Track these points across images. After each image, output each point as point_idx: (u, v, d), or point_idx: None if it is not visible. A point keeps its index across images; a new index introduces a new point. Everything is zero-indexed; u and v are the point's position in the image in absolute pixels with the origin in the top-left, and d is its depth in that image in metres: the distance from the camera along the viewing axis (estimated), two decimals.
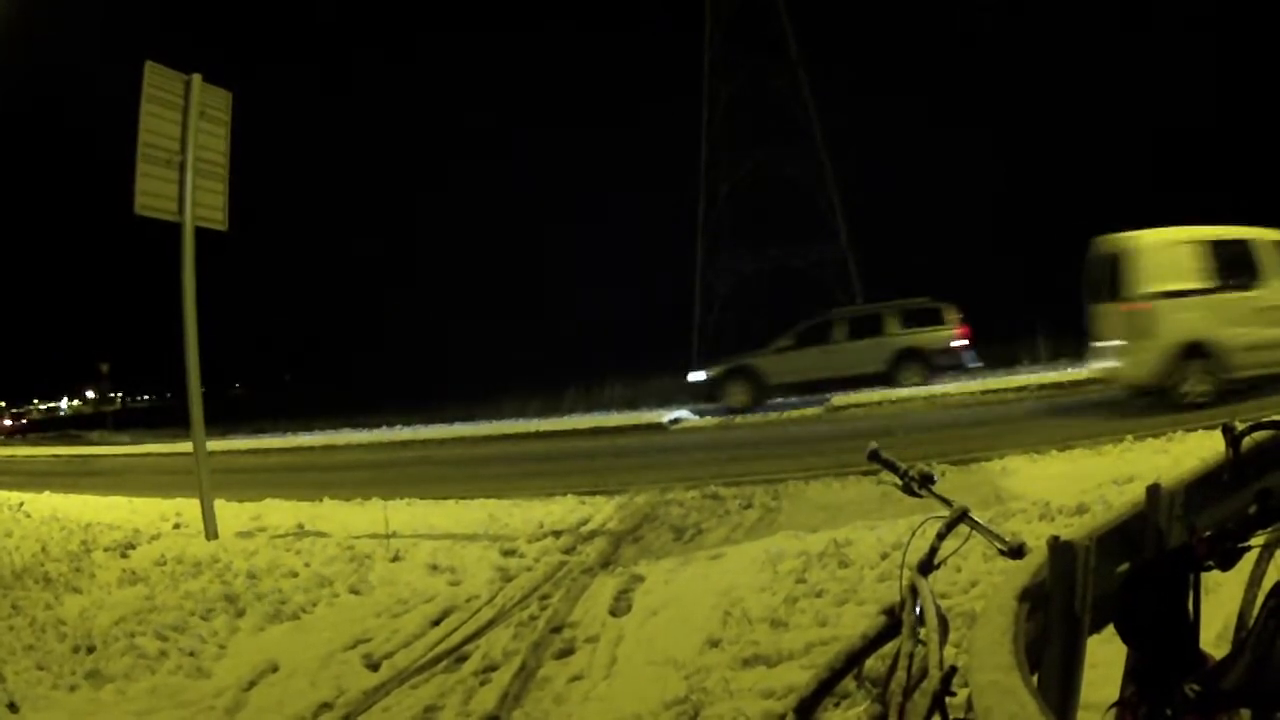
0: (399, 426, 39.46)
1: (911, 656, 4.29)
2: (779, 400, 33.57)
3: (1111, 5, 51.61)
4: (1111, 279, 21.50)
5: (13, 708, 8.11)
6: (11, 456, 42.66)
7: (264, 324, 72.84)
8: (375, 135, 74.37)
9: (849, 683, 5.45)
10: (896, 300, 35.05)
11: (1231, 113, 47.85)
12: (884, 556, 10.12)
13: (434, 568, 12.36)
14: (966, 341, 33.53)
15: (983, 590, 8.31)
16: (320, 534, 14.69)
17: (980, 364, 34.47)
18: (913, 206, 51.42)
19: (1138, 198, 46.17)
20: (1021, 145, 49.80)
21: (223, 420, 43.35)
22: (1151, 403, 20.23)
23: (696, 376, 35.77)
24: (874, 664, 5.07)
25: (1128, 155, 48.67)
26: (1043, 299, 37.68)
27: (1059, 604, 3.31)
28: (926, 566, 4.59)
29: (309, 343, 71.94)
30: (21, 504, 19.42)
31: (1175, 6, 49.35)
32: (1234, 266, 20.54)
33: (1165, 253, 20.57)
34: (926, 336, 33.53)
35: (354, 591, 11.44)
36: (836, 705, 6.22)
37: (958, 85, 52.56)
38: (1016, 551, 4.23)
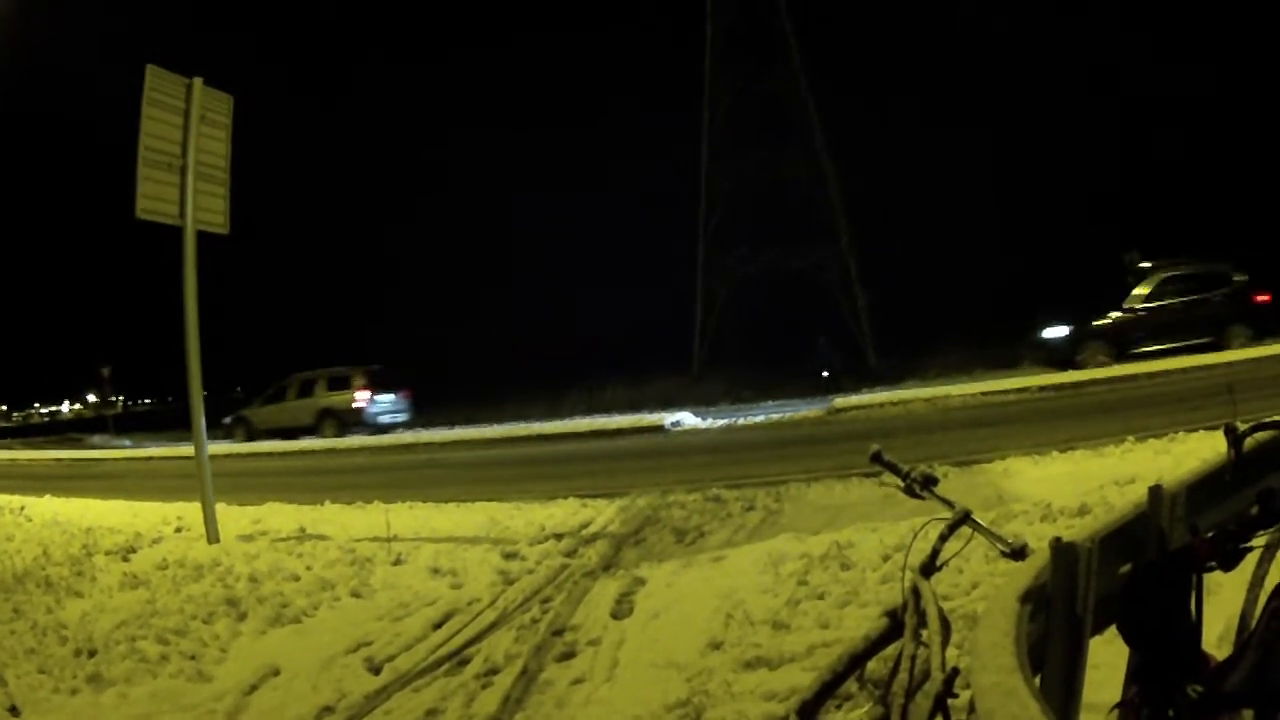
0: (400, 430, 39.64)
1: (914, 658, 4.29)
2: (780, 401, 33.94)
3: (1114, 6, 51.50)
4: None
5: (14, 711, 8.14)
6: (13, 460, 42.84)
7: (265, 326, 72.63)
8: (375, 137, 74.06)
9: (851, 685, 5.44)
10: (326, 368, 42.96)
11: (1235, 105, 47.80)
12: (886, 558, 10.13)
13: (435, 571, 12.37)
14: (365, 404, 41.40)
15: (985, 592, 8.32)
16: (322, 537, 14.72)
17: (407, 417, 43.25)
18: (915, 208, 51.33)
19: (1138, 199, 46.26)
20: (1024, 145, 49.76)
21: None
22: None
23: (226, 420, 44.68)
24: (876, 666, 5.06)
25: (1129, 157, 48.65)
26: (1045, 301, 37.69)
27: (1061, 605, 3.31)
28: (928, 568, 4.58)
29: (310, 345, 71.84)
30: (23, 507, 19.52)
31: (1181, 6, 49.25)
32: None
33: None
34: (338, 398, 41.67)
35: (355, 595, 11.46)
36: (839, 707, 6.22)
37: (960, 85, 52.45)
38: (1018, 553, 4.24)
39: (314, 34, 79.78)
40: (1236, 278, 32.74)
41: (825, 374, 41.36)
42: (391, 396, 42.51)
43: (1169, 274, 32.78)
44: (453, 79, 73.58)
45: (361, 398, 41.25)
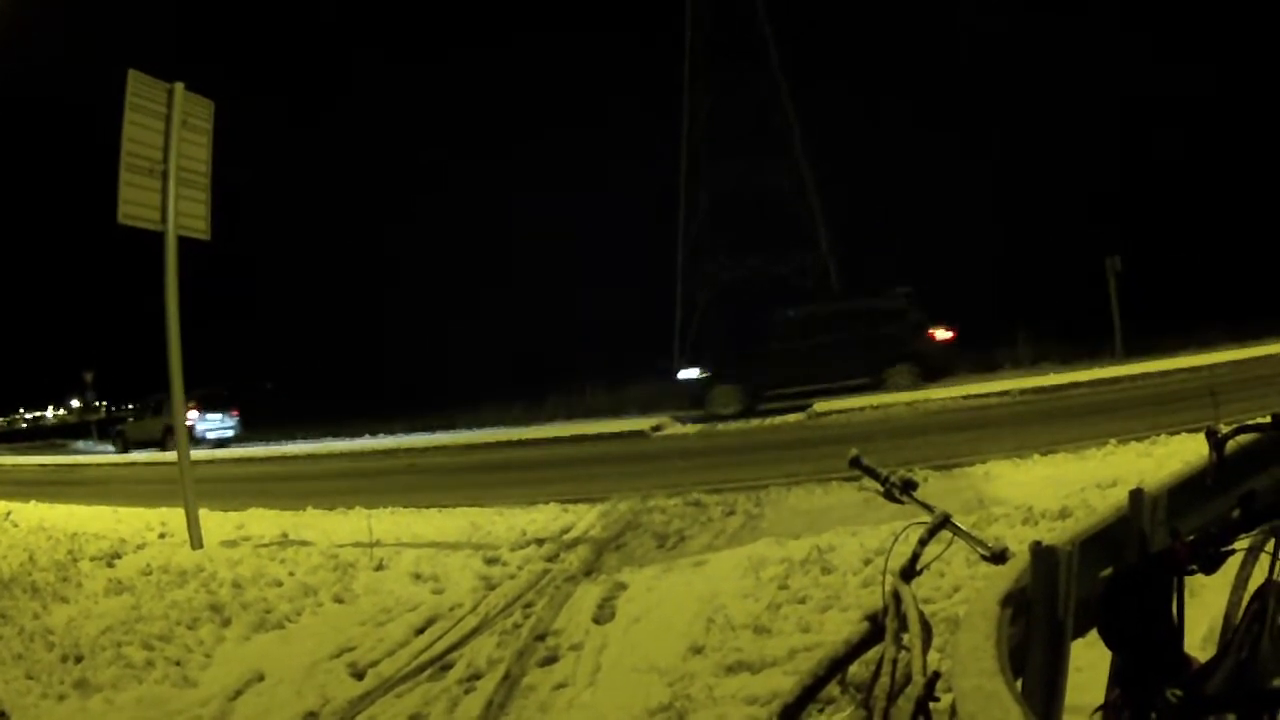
0: (381, 435, 39.76)
1: (895, 662, 4.28)
2: (762, 407, 33.88)
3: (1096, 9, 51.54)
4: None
5: (3, 716, 8.14)
6: None
7: (246, 332, 72.32)
8: (338, 149, 73.33)
9: (833, 689, 5.45)
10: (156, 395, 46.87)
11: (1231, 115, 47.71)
12: (867, 562, 10.12)
13: (417, 576, 12.36)
14: (194, 422, 45.89)
15: (966, 595, 8.32)
16: (304, 543, 14.69)
17: (234, 433, 49.36)
18: (894, 212, 51.32)
19: (1130, 201, 46.28)
20: (1003, 151, 49.73)
21: None
22: None
23: (113, 430, 54.46)
24: (858, 670, 5.05)
25: (1111, 163, 48.64)
26: (1024, 304, 37.67)
27: (1042, 609, 3.32)
28: (909, 572, 4.59)
29: (290, 351, 71.44)
30: (9, 513, 19.51)
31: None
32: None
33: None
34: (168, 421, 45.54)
35: (338, 600, 11.44)
36: (820, 711, 6.22)
37: (943, 88, 52.45)
38: (999, 556, 4.26)
39: (310, 34, 79.24)
40: (908, 314, 32.32)
41: None
42: (219, 416, 49.06)
43: (819, 311, 33.17)
44: (434, 83, 73.10)
45: (192, 417, 45.01)
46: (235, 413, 50.06)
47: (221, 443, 46.82)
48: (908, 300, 32.67)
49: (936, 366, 32.00)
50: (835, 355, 31.80)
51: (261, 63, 73.32)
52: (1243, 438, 4.12)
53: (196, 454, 38.19)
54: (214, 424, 48.16)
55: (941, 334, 32.11)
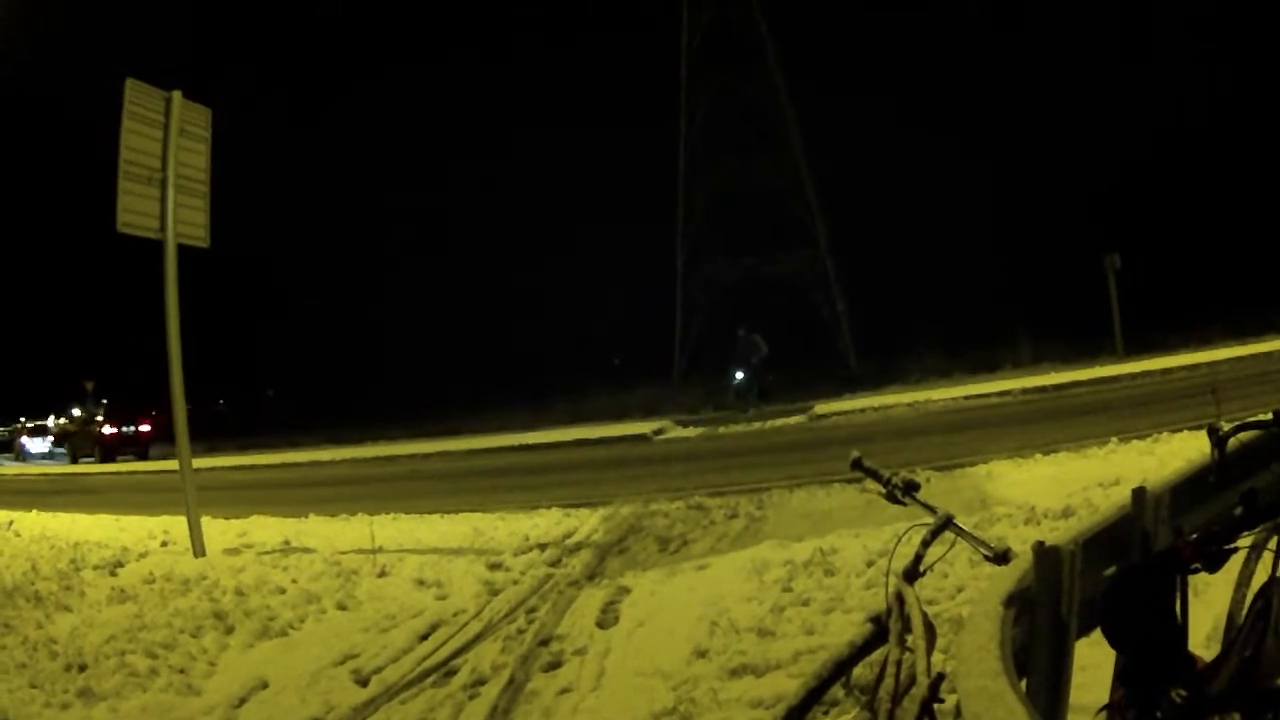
0: (383, 442, 39.66)
1: (899, 664, 4.28)
2: (763, 408, 33.98)
3: (1098, 9, 51.55)
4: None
5: None
6: (1, 474, 43.26)
7: (246, 339, 72.18)
8: (338, 146, 73.04)
9: (837, 691, 5.46)
10: None
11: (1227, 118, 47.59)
12: (870, 564, 10.13)
13: (420, 582, 12.35)
14: None
15: (969, 596, 8.31)
16: (307, 550, 14.68)
17: (52, 450, 63.73)
18: (893, 211, 51.26)
19: (1119, 201, 46.16)
20: (1002, 149, 49.70)
21: (208, 437, 43.60)
22: None
23: None
24: (862, 672, 5.05)
25: (1110, 159, 48.55)
26: (1024, 302, 37.66)
27: (1045, 609, 3.31)
28: (912, 574, 4.58)
29: (291, 358, 71.29)
30: (11, 522, 19.46)
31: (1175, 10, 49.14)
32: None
33: None
34: None
35: (341, 607, 11.42)
36: (825, 714, 6.21)
37: (939, 89, 52.41)
38: (1002, 557, 4.24)
39: (308, 36, 79.08)
40: (93, 419, 53.41)
41: (739, 376, 38.45)
42: (40, 439, 65.74)
43: (85, 409, 55.06)
44: (432, 84, 72.94)
45: (23, 440, 66.38)
46: (51, 438, 65.16)
47: (50, 457, 61.34)
48: (98, 408, 55.21)
49: (107, 451, 51.38)
50: (84, 438, 53.93)
51: (259, 64, 73.27)
52: (1244, 435, 4.10)
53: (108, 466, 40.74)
54: (37, 445, 65.33)
55: (107, 430, 52.28)
